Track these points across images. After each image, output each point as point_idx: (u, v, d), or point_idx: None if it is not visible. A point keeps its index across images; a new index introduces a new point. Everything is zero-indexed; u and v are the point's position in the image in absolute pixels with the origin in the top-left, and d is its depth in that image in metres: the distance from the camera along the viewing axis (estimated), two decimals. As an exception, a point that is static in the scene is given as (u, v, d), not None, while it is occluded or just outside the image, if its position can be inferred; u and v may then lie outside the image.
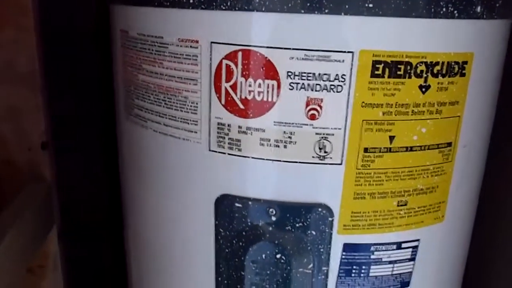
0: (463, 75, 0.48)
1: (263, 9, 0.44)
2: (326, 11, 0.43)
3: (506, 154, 0.76)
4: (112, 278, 0.95)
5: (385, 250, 0.52)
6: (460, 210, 0.56)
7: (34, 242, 0.76)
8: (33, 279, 0.83)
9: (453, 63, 0.47)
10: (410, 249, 0.53)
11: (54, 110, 0.80)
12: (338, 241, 0.50)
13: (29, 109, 0.80)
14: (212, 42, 0.46)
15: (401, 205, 0.50)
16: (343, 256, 0.51)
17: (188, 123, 0.50)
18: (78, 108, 0.83)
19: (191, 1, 0.46)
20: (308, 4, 0.43)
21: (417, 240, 0.53)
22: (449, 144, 0.50)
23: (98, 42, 0.80)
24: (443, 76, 0.47)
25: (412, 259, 0.53)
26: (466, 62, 0.48)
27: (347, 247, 0.51)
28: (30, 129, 0.80)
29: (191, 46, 0.47)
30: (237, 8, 0.44)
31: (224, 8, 0.45)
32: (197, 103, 0.48)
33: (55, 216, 0.83)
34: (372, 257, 0.52)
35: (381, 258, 0.52)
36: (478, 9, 0.47)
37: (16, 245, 0.68)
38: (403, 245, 0.52)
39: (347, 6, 0.43)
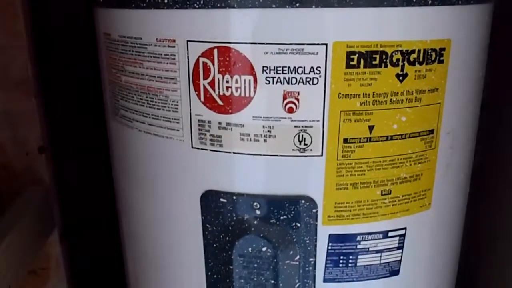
0: (441, 62, 0.48)
1: (236, 6, 0.44)
2: (297, 4, 0.43)
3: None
4: (115, 278, 0.96)
5: (372, 240, 0.52)
6: (448, 197, 0.56)
7: (34, 244, 0.77)
8: (37, 281, 0.85)
9: (430, 50, 0.47)
10: (397, 238, 0.53)
11: (50, 114, 0.82)
12: (323, 232, 0.51)
13: (25, 114, 0.81)
14: (188, 41, 0.47)
15: (385, 194, 0.51)
16: (330, 247, 0.51)
17: (170, 122, 0.50)
18: (74, 111, 0.84)
19: (166, 1, 0.47)
20: (279, -1, 0.43)
21: (404, 228, 0.53)
22: (431, 132, 0.50)
23: (91, 46, 0.81)
24: (420, 63, 0.47)
25: (400, 247, 0.54)
26: (443, 49, 0.48)
27: (333, 238, 0.51)
28: (27, 134, 0.82)
29: (168, 46, 0.48)
30: (210, 6, 0.45)
31: (197, 6, 0.45)
32: (177, 102, 0.49)
33: (56, 218, 0.85)
34: (359, 246, 0.52)
35: (368, 248, 0.52)
36: (453, -5, 0.47)
37: (16, 248, 0.69)
38: (390, 234, 0.52)
39: (318, -1, 0.43)
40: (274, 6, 0.44)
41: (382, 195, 0.50)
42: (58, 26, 0.80)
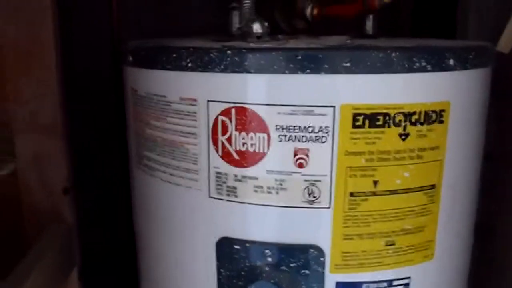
0: (441, 122, 0.52)
1: (253, 71, 0.49)
2: (308, 71, 0.48)
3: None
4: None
5: (377, 288, 0.55)
6: (450, 248, 0.59)
7: (56, 282, 0.81)
8: (56, 318, 0.88)
9: (430, 112, 0.51)
10: (402, 287, 0.56)
11: (75, 157, 0.87)
12: (330, 279, 0.53)
13: (52, 156, 0.86)
14: (208, 101, 0.51)
15: (390, 245, 0.54)
16: (337, 294, 0.54)
17: (190, 173, 0.55)
18: (98, 155, 0.89)
19: (189, 64, 0.52)
20: (292, 66, 0.48)
21: (408, 277, 0.56)
22: (433, 186, 0.54)
23: (116, 95, 0.87)
24: (421, 124, 0.51)
25: (404, 296, 0.56)
26: (443, 110, 0.52)
27: (340, 285, 0.54)
28: (52, 175, 0.87)
29: (190, 104, 0.53)
30: (229, 71, 0.50)
31: (218, 70, 0.50)
32: (197, 155, 0.54)
33: (76, 257, 0.89)
34: (364, 294, 0.55)
35: (373, 296, 0.55)
36: (451, 62, 0.51)
37: (39, 285, 0.73)
38: (394, 283, 0.55)
39: (326, 66, 0.48)
40: (287, 72, 0.48)
41: (386, 245, 0.53)
42: (85, 77, 0.86)
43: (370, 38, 0.65)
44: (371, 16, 0.66)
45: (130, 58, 0.60)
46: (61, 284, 0.84)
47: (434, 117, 0.52)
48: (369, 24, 0.67)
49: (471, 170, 0.59)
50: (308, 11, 0.71)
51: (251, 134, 0.51)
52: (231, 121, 0.51)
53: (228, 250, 0.54)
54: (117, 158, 0.86)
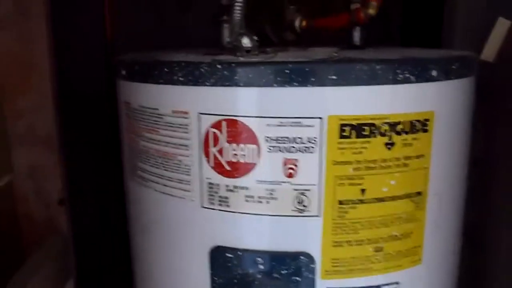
0: (425, 131, 0.54)
1: (242, 85, 0.51)
2: (296, 84, 0.50)
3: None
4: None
5: (367, 293, 0.56)
6: (438, 253, 0.60)
7: (52, 292, 0.82)
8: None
9: (415, 122, 0.53)
10: (391, 291, 0.57)
11: (70, 169, 0.88)
12: (321, 286, 0.55)
13: (48, 168, 0.88)
14: (200, 113, 0.53)
15: (378, 251, 0.55)
16: (328, 300, 0.56)
17: (183, 183, 0.56)
18: (93, 167, 0.90)
19: (181, 78, 0.53)
20: (280, 79, 0.50)
21: (397, 282, 0.57)
22: (419, 193, 0.56)
23: (111, 107, 0.89)
24: (406, 133, 0.53)
25: (394, 300, 0.58)
26: (427, 120, 0.54)
27: (331, 291, 0.55)
28: (48, 186, 0.88)
29: (182, 117, 0.54)
30: (219, 84, 0.51)
31: (208, 84, 0.52)
32: (189, 166, 0.55)
33: (72, 267, 0.90)
34: (355, 299, 0.56)
35: (363, 301, 0.56)
36: (434, 73, 0.53)
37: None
38: (383, 288, 0.57)
39: (313, 79, 0.50)
40: (275, 85, 0.50)
41: (375, 251, 0.55)
42: (80, 89, 0.87)
43: (358, 49, 0.67)
44: (358, 28, 0.68)
45: (123, 72, 0.62)
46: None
47: (418, 126, 0.53)
48: (356, 35, 0.69)
49: (457, 177, 0.61)
50: (297, 23, 0.73)
51: (242, 145, 0.52)
52: (222, 133, 0.52)
53: (221, 259, 0.56)
54: (112, 169, 0.88)
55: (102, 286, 0.94)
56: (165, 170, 0.57)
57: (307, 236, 0.54)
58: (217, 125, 0.52)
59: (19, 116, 0.84)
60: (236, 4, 0.61)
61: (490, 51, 0.77)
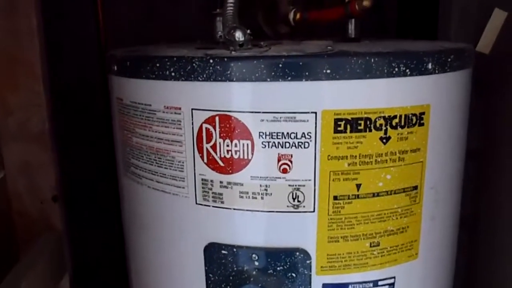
0: (421, 124, 0.53)
1: (235, 79, 0.50)
2: (289, 78, 0.49)
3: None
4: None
5: (363, 288, 0.56)
6: (435, 247, 0.60)
7: (47, 289, 0.81)
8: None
9: (410, 115, 0.52)
10: (387, 286, 0.57)
11: (64, 165, 0.87)
12: (317, 281, 0.54)
13: (41, 165, 0.87)
14: (192, 109, 0.52)
15: (374, 246, 0.55)
16: (323, 295, 0.55)
17: (177, 180, 0.55)
18: (86, 163, 0.90)
19: (173, 74, 0.52)
20: (273, 73, 0.49)
21: (393, 277, 0.57)
22: (415, 188, 0.55)
23: (104, 103, 0.88)
24: (402, 127, 0.52)
25: (390, 295, 0.57)
26: (423, 113, 0.53)
27: (326, 287, 0.55)
28: (42, 183, 0.87)
29: (175, 113, 0.53)
30: (212, 79, 0.51)
31: (201, 79, 0.51)
32: (183, 162, 0.54)
33: (67, 264, 0.89)
34: (351, 295, 0.56)
35: (359, 296, 0.56)
36: (430, 66, 0.53)
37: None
38: (380, 283, 0.56)
39: (307, 73, 0.49)
40: (269, 79, 0.49)
41: (371, 246, 0.55)
42: (73, 85, 0.86)
43: (353, 42, 0.66)
44: (353, 20, 0.67)
45: (115, 68, 0.61)
46: (53, 291, 0.84)
47: (414, 120, 0.53)
48: (351, 28, 0.68)
49: (453, 170, 0.60)
50: (291, 16, 0.72)
51: (235, 141, 0.51)
52: (215, 129, 0.52)
53: (216, 255, 0.55)
54: (106, 165, 0.87)
55: (97, 282, 0.94)
56: (159, 166, 0.57)
57: (302, 232, 0.53)
58: (210, 121, 0.52)
59: (9, 112, 0.83)
60: (229, -4, 0.60)
61: (486, 43, 0.77)
